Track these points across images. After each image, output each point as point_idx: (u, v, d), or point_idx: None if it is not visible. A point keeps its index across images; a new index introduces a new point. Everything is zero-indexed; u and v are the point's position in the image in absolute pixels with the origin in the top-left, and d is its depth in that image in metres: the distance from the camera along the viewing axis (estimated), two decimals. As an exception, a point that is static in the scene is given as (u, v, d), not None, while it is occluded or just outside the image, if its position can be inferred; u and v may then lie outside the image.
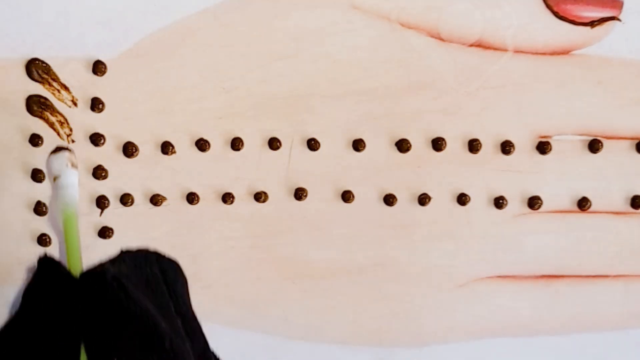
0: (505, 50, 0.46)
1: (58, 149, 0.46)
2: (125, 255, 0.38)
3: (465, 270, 0.49)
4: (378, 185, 0.48)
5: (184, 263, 0.49)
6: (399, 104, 0.47)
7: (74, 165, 0.45)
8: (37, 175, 0.47)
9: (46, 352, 0.35)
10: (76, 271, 0.37)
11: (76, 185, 0.45)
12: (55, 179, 0.45)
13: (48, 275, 0.37)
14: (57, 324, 0.36)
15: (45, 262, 0.37)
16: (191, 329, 0.37)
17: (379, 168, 0.48)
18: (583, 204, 0.48)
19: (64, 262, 0.40)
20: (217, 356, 0.38)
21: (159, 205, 0.48)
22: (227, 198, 0.48)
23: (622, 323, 0.50)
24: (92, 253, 0.48)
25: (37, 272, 0.37)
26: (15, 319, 0.37)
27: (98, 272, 0.36)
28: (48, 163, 0.46)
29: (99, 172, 0.47)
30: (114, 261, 0.37)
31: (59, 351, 0.35)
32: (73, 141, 0.47)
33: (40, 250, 0.48)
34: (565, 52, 0.46)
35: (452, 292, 0.50)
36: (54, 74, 0.46)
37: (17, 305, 0.37)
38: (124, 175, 0.47)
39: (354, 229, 0.49)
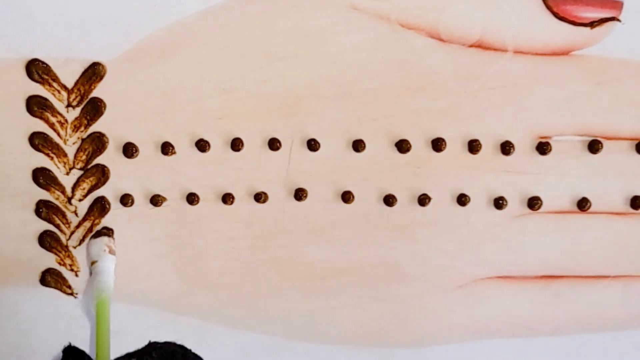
0: (505, 50, 0.46)
1: (98, 234, 0.47)
2: (152, 349, 0.38)
3: (465, 270, 0.49)
4: (378, 185, 0.48)
5: (183, 264, 0.49)
6: (399, 104, 0.47)
7: (111, 252, 0.46)
8: (37, 176, 0.47)
9: None
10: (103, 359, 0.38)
11: (112, 271, 0.46)
12: (92, 263, 0.46)
13: None
14: None
15: (71, 352, 0.38)
16: None
17: (379, 169, 0.48)
18: (583, 204, 0.48)
19: (94, 347, 0.40)
20: None
21: (159, 206, 0.48)
22: (227, 199, 0.48)
23: (622, 323, 0.50)
24: (93, 254, 0.49)
25: None
26: None
27: None
28: (87, 247, 0.47)
29: (99, 173, 0.47)
30: (141, 355, 0.37)
31: None
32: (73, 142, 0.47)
33: (40, 251, 0.48)
34: (565, 53, 0.46)
35: (452, 292, 0.50)
36: (54, 74, 0.46)
37: None
38: (124, 176, 0.47)
39: (354, 230, 0.49)
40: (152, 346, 0.38)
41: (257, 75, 0.46)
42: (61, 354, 0.39)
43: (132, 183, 0.48)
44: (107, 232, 0.47)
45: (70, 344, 0.39)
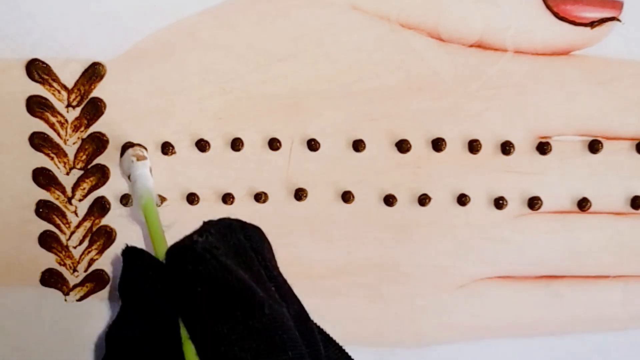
0: (505, 50, 0.46)
1: (123, 149, 0.46)
2: (210, 226, 0.38)
3: (466, 270, 0.49)
4: (378, 185, 0.48)
5: (184, 264, 0.49)
6: (399, 104, 0.47)
7: (140, 158, 0.45)
8: (37, 176, 0.47)
9: (149, 338, 0.36)
10: (163, 255, 0.37)
11: (147, 174, 0.45)
12: (128, 177, 0.45)
13: (135, 264, 0.38)
14: (153, 309, 0.36)
15: (129, 253, 0.38)
16: (284, 293, 0.37)
17: (379, 168, 0.48)
18: (583, 204, 0.48)
19: (150, 248, 0.40)
20: (311, 319, 0.38)
21: (159, 206, 0.48)
22: (227, 198, 0.48)
23: (622, 324, 0.50)
24: (93, 253, 0.49)
25: (124, 264, 0.38)
26: (119, 315, 0.38)
27: (187, 245, 0.36)
28: (120, 166, 0.46)
29: (99, 173, 0.47)
30: (200, 233, 0.37)
31: (160, 334, 0.36)
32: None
33: (40, 251, 0.48)
34: (565, 53, 0.46)
35: (452, 292, 0.50)
36: (54, 74, 0.46)
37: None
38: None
39: (354, 230, 0.49)
40: (209, 223, 0.38)
41: (257, 75, 0.46)
42: (121, 257, 0.39)
43: (132, 183, 0.48)
44: (131, 144, 0.47)
45: (127, 245, 0.39)
